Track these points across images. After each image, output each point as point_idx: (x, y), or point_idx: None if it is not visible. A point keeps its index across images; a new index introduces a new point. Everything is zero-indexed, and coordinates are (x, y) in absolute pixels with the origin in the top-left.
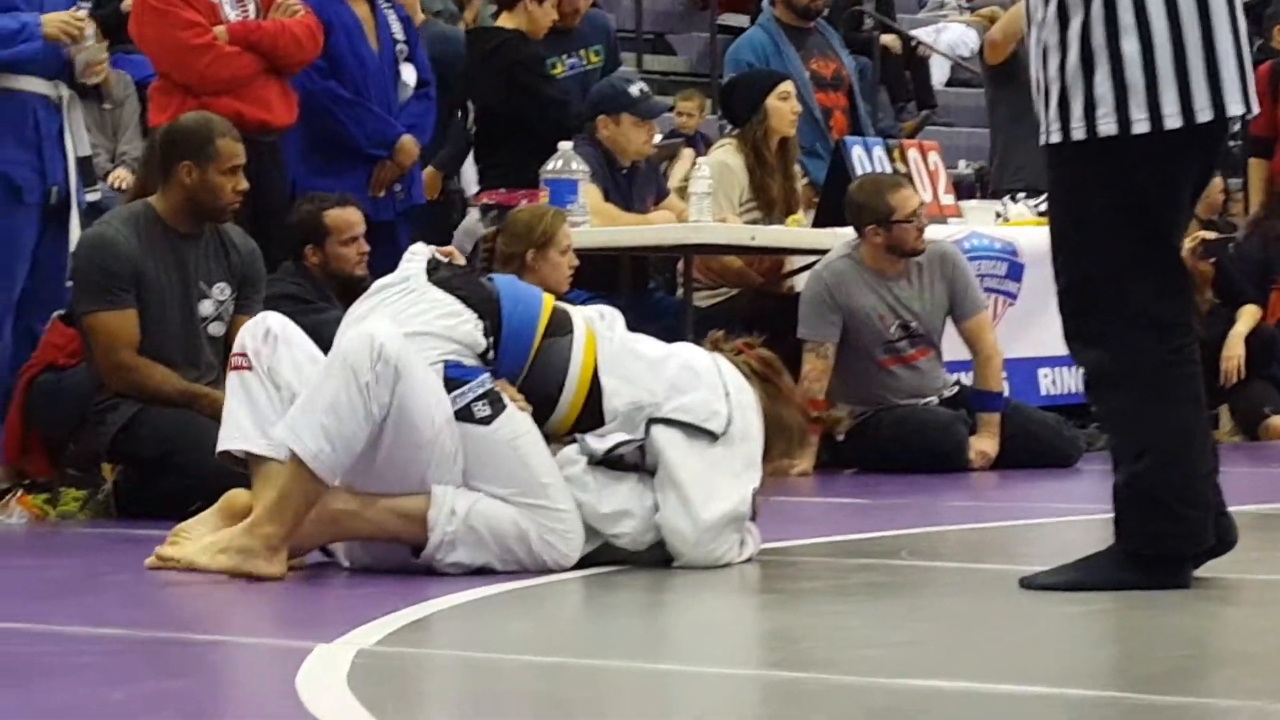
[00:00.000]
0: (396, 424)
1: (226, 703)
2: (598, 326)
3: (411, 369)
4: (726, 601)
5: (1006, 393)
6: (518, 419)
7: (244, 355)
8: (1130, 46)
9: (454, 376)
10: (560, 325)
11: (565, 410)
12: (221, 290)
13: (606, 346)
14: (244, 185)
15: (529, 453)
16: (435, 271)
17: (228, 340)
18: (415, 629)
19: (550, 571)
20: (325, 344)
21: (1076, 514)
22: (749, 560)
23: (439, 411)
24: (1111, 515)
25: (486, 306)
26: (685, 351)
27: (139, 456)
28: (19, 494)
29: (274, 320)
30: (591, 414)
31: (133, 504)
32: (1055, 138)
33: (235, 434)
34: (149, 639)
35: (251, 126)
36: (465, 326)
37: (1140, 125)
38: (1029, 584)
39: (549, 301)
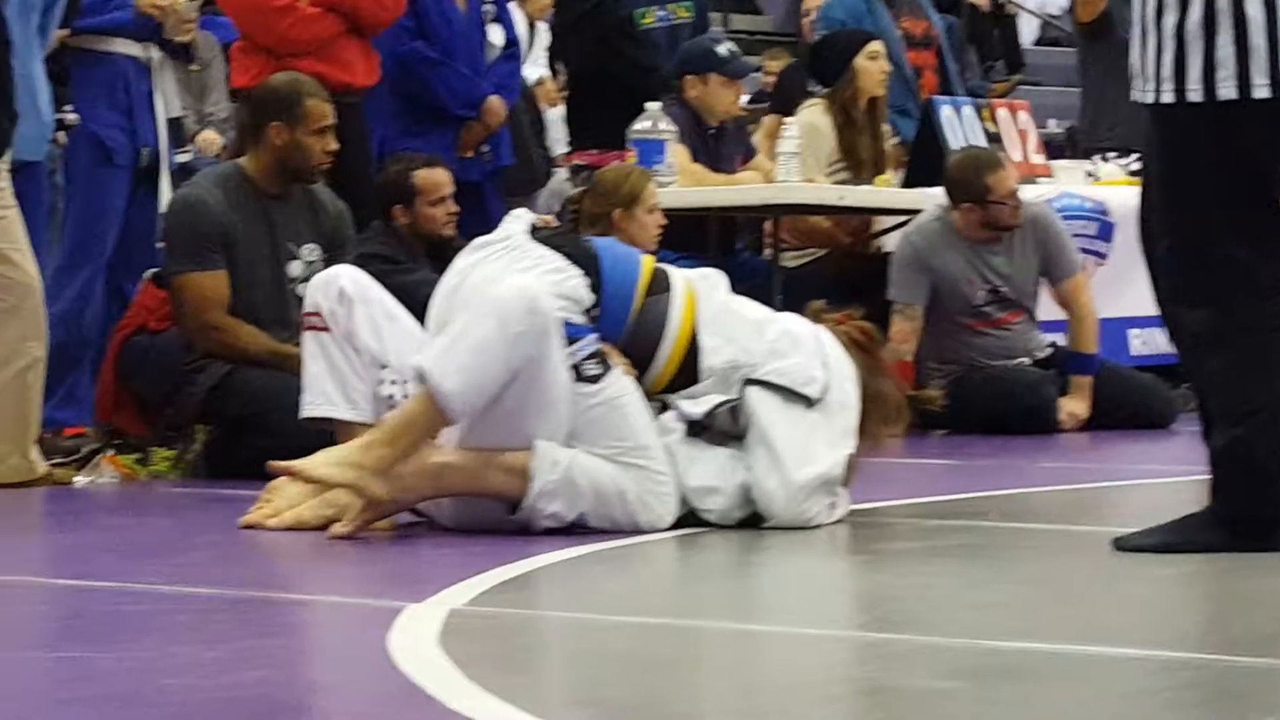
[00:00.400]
0: (530, 380)
1: (318, 662)
2: (699, 286)
3: (555, 327)
4: (817, 562)
5: (1099, 354)
6: (622, 380)
7: (318, 315)
8: (1255, 10)
9: (567, 334)
10: (659, 283)
11: (661, 367)
12: (310, 251)
13: (707, 305)
14: (334, 145)
15: (632, 413)
16: (536, 233)
17: None
18: (507, 588)
19: (643, 532)
20: (414, 305)
21: (1169, 475)
22: (839, 522)
23: (565, 372)
24: (1207, 477)
25: (590, 263)
26: (787, 319)
27: (229, 416)
28: (110, 454)
29: (347, 279)
30: (687, 372)
31: (223, 464)
32: (1168, 97)
33: (319, 399)
34: (240, 598)
35: (334, 87)
36: (571, 282)
37: (1261, 90)
38: (1122, 545)
39: (649, 262)
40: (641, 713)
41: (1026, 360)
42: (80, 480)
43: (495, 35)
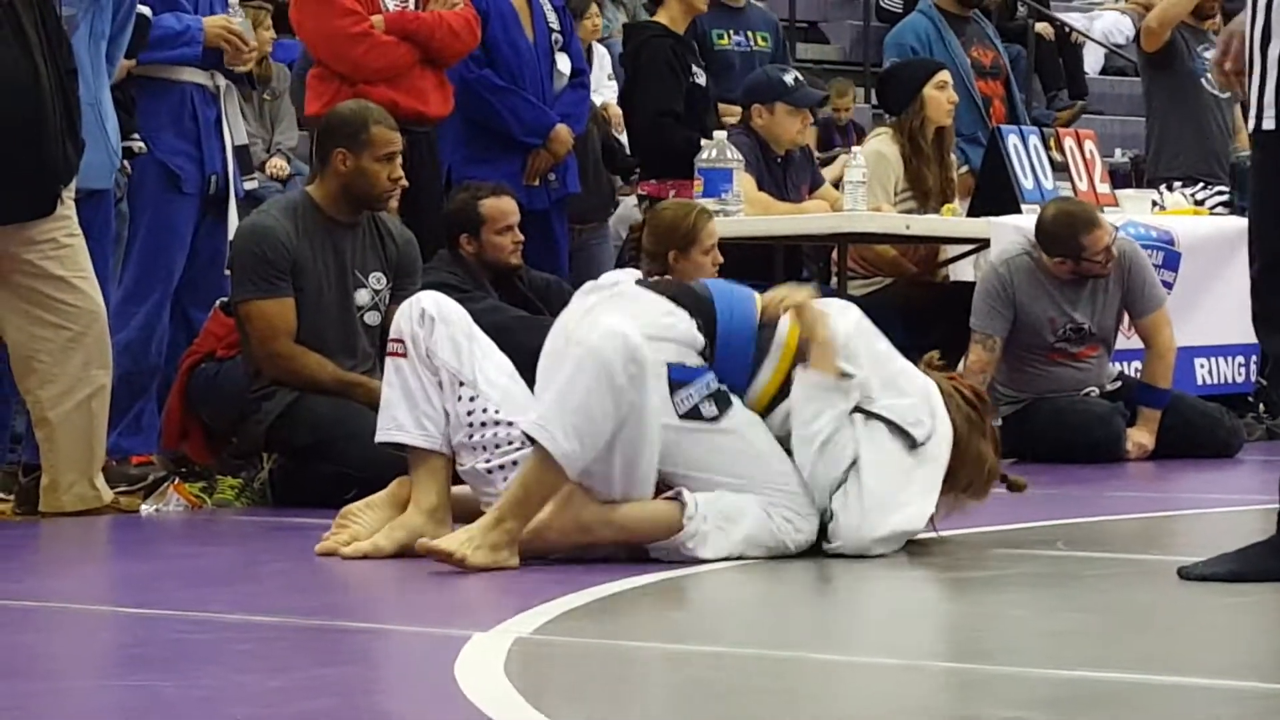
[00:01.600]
0: (634, 426)
1: (384, 690)
2: (832, 307)
3: (653, 371)
4: (887, 591)
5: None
6: (743, 411)
7: (400, 341)
8: None
9: (678, 379)
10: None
11: (762, 387)
12: (378, 279)
13: (843, 327)
14: (399, 174)
15: (759, 441)
16: (643, 281)
17: (383, 329)
18: (572, 617)
19: (789, 555)
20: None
21: (1236, 505)
22: (906, 549)
23: (665, 413)
24: (1275, 506)
25: (701, 306)
26: (909, 365)
27: (295, 445)
28: (176, 482)
29: (428, 300)
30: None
31: (289, 492)
32: (1269, 124)
33: (390, 425)
34: (306, 627)
35: (407, 116)
36: (682, 325)
37: None
38: (1187, 574)
39: (760, 299)
40: None
41: (1095, 391)
42: (146, 508)
43: (563, 64)
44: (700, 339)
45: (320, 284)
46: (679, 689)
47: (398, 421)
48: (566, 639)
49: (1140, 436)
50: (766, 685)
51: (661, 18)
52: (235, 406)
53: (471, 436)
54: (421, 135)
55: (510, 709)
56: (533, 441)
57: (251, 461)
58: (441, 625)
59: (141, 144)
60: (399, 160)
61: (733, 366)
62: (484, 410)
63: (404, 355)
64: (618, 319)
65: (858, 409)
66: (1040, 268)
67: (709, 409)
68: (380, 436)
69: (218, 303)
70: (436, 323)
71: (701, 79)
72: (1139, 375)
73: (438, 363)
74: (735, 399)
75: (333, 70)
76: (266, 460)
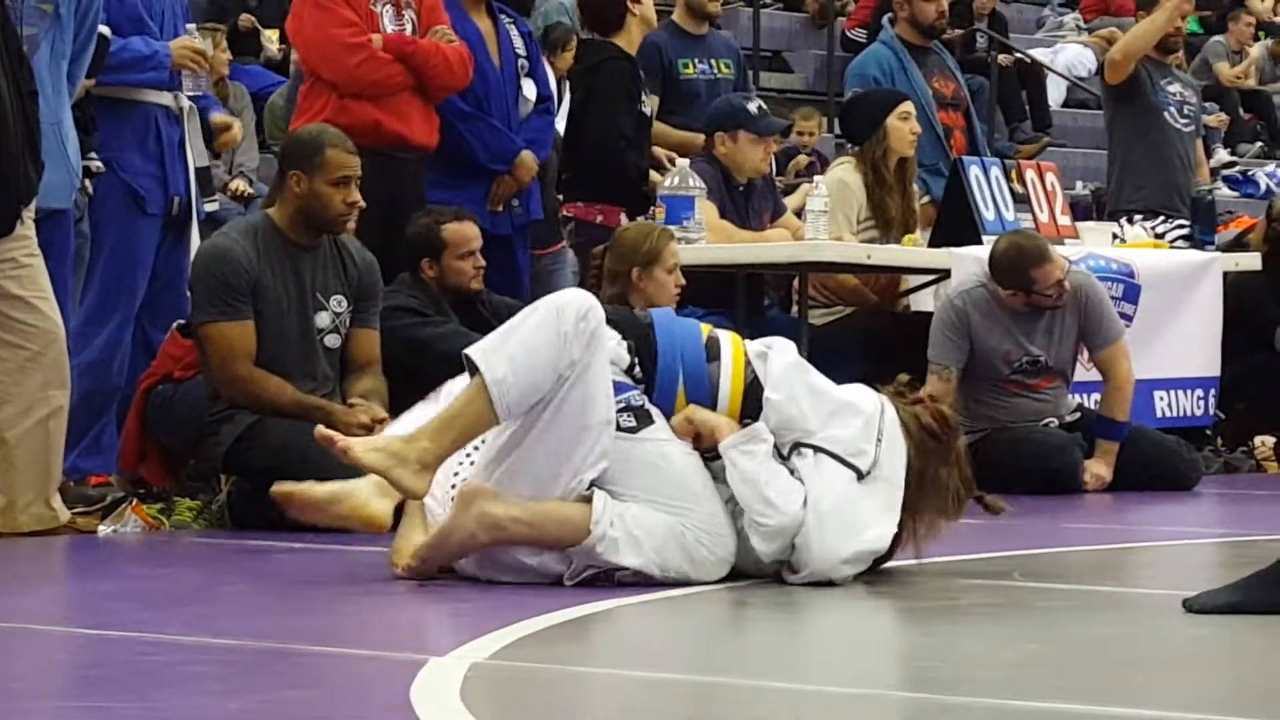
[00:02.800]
0: (571, 394)
1: (340, 715)
2: (766, 354)
3: (603, 347)
4: (843, 620)
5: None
6: (667, 432)
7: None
8: None
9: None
10: (712, 350)
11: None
12: (338, 302)
13: (777, 364)
14: (355, 198)
15: (677, 461)
16: None
17: (343, 353)
18: (529, 643)
19: (692, 583)
20: (439, 357)
21: (1193, 537)
22: (864, 578)
23: (607, 405)
24: (1234, 538)
25: (635, 330)
26: (852, 391)
27: (253, 468)
28: (134, 503)
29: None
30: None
31: (247, 515)
32: None
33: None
34: (262, 649)
35: (388, 138)
36: (609, 343)
37: None
38: (1191, 606)
39: (705, 329)
40: None
41: (1054, 421)
42: (104, 529)
43: (529, 90)
44: (627, 358)
45: (280, 306)
46: (635, 715)
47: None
48: (523, 664)
49: (1098, 468)
50: (722, 712)
51: (620, 40)
52: (193, 428)
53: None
54: (407, 164)
55: None
56: (471, 373)
57: (210, 484)
58: (398, 649)
59: (99, 164)
60: (355, 185)
61: (663, 389)
62: (471, 464)
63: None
64: (579, 290)
65: (799, 445)
66: (996, 300)
67: (627, 420)
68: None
69: (175, 325)
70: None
71: (648, 107)
72: (1097, 407)
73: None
74: (660, 418)
75: (325, 80)
76: (225, 483)
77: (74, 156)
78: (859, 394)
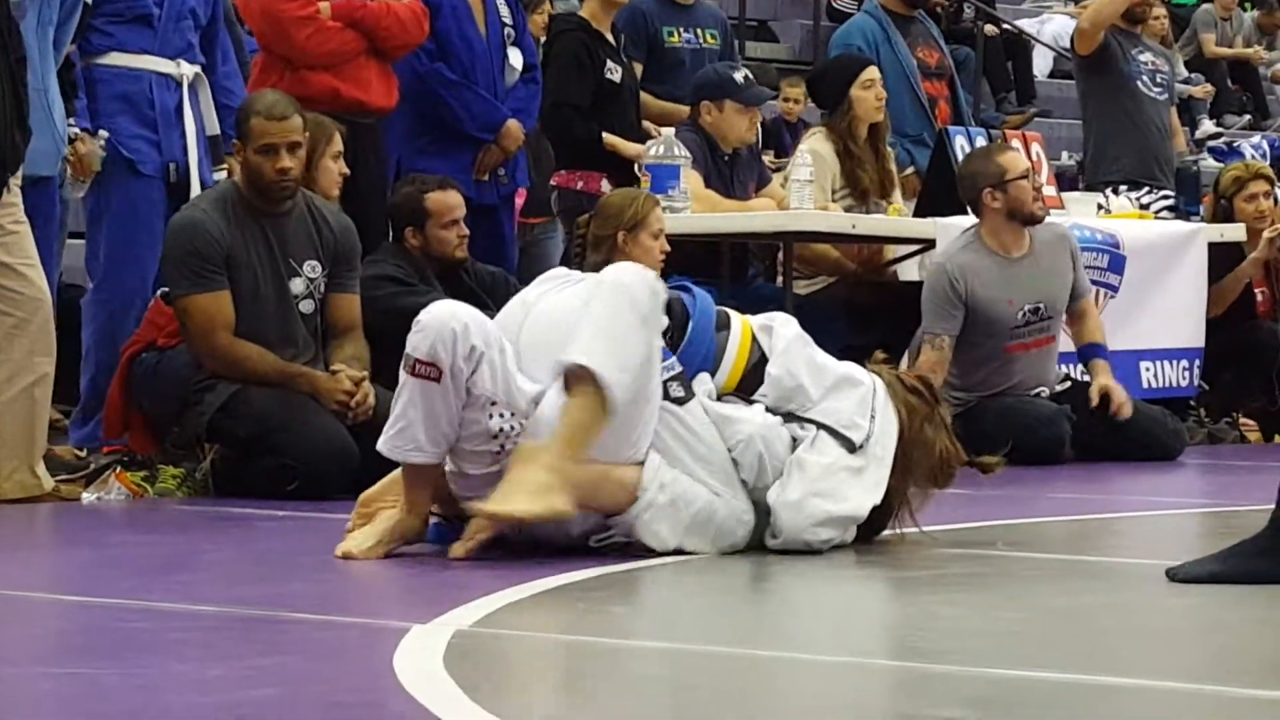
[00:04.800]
0: (654, 362)
1: (323, 681)
2: (771, 329)
3: (659, 315)
4: (828, 589)
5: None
6: (699, 406)
7: (433, 365)
8: None
9: None
10: (721, 320)
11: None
12: (313, 268)
13: (781, 337)
14: (286, 165)
15: (713, 438)
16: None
17: (321, 318)
18: (512, 610)
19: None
20: None
21: (1177, 507)
22: (847, 548)
23: (658, 374)
24: (1215, 509)
25: (672, 300)
26: (851, 368)
27: (236, 436)
28: (117, 470)
29: (475, 333)
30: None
31: (230, 483)
32: None
33: (409, 445)
34: (246, 616)
35: (347, 105)
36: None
37: None
38: (1174, 575)
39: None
40: None
41: (1045, 391)
42: (87, 497)
43: (515, 58)
44: (665, 320)
45: (255, 274)
46: (619, 684)
47: (417, 443)
48: (506, 632)
49: (1102, 380)
50: (705, 681)
51: (585, 10)
52: (177, 397)
53: (498, 451)
54: (365, 126)
55: (448, 701)
56: (567, 380)
57: (194, 452)
58: (381, 617)
59: (76, 130)
60: (284, 152)
61: (697, 356)
62: (512, 428)
63: (437, 380)
64: (629, 264)
65: (794, 416)
66: (983, 249)
67: (676, 389)
68: (396, 455)
69: (159, 292)
70: (484, 360)
71: (617, 75)
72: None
73: (477, 390)
74: (697, 388)
75: (275, 54)
76: (208, 451)
77: (60, 123)
78: (856, 369)
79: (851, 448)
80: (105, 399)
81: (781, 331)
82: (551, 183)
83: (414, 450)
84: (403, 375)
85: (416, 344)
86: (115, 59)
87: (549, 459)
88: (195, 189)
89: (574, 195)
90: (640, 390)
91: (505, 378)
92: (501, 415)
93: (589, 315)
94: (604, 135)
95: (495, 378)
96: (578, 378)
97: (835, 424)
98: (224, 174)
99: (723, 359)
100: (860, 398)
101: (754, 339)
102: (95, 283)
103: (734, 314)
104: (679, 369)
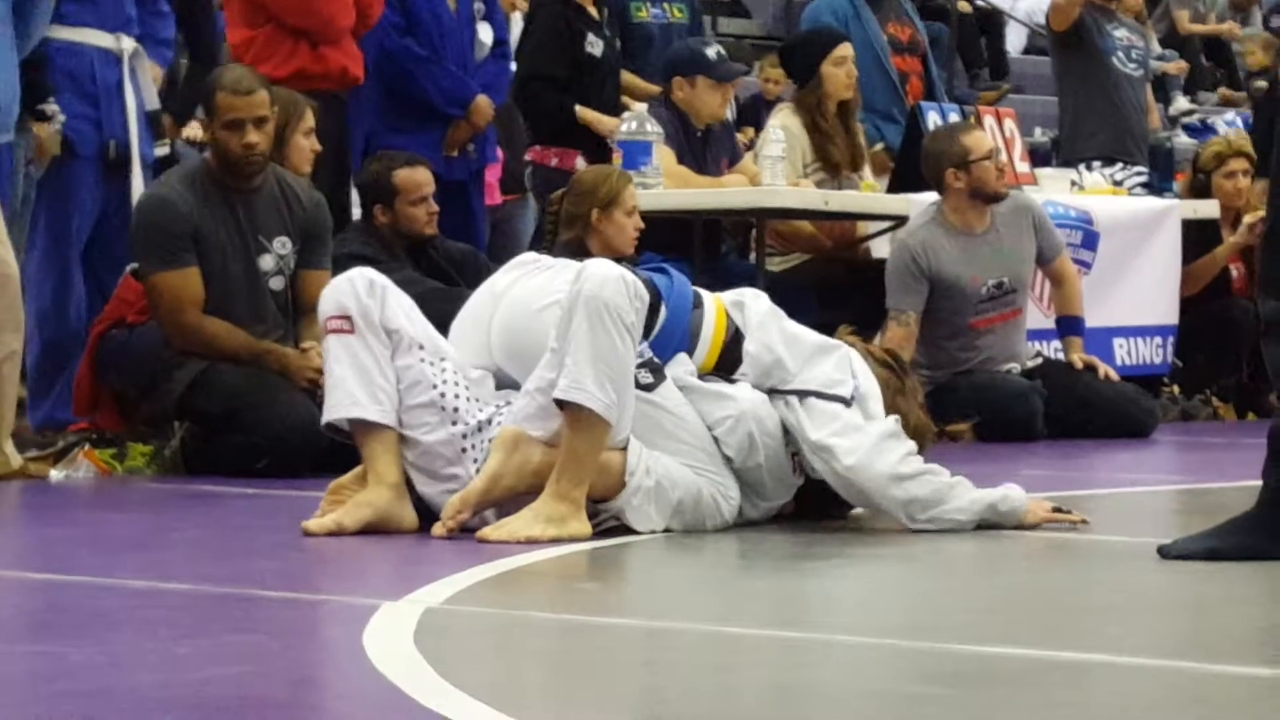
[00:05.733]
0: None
1: (293, 658)
2: (742, 305)
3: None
4: (802, 568)
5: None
6: (672, 387)
7: (345, 318)
8: None
9: None
10: (695, 299)
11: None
12: (282, 244)
13: (753, 312)
14: (252, 139)
15: (688, 415)
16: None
17: (293, 296)
18: (483, 588)
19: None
20: None
21: (1150, 484)
22: (816, 528)
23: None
24: (1185, 486)
25: (645, 282)
26: (825, 337)
27: (206, 413)
28: (86, 448)
29: (369, 273)
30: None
31: (200, 461)
32: None
33: (346, 401)
34: (215, 594)
35: (345, 80)
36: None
37: None
38: (1166, 553)
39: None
40: (610, 714)
41: (1016, 368)
42: (56, 474)
43: (485, 34)
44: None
45: (224, 252)
46: (589, 661)
47: (354, 397)
48: (477, 609)
49: (1076, 356)
50: (678, 658)
51: None
52: (146, 374)
53: (445, 395)
54: (329, 100)
55: (418, 678)
56: (561, 407)
57: (163, 429)
58: (352, 594)
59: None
60: (250, 127)
61: (672, 340)
62: (443, 371)
63: (351, 331)
64: (601, 264)
65: (776, 390)
66: (946, 225)
67: (645, 376)
68: (335, 414)
69: (128, 269)
70: (388, 292)
71: (598, 49)
72: (1052, 310)
73: (391, 327)
74: (667, 374)
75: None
76: (178, 428)
77: (5, 89)
78: (829, 339)
79: (845, 402)
80: (52, 378)
81: (753, 306)
82: (526, 158)
83: (351, 404)
84: (323, 343)
85: (324, 308)
86: (57, 32)
87: (562, 489)
88: (136, 165)
89: (548, 171)
90: (623, 390)
91: (420, 319)
92: (433, 364)
93: (574, 339)
94: (578, 109)
95: (409, 316)
96: (574, 407)
97: (820, 387)
98: (165, 149)
99: (699, 338)
100: (837, 361)
101: (727, 316)
102: (34, 263)
103: (704, 292)
104: (648, 354)
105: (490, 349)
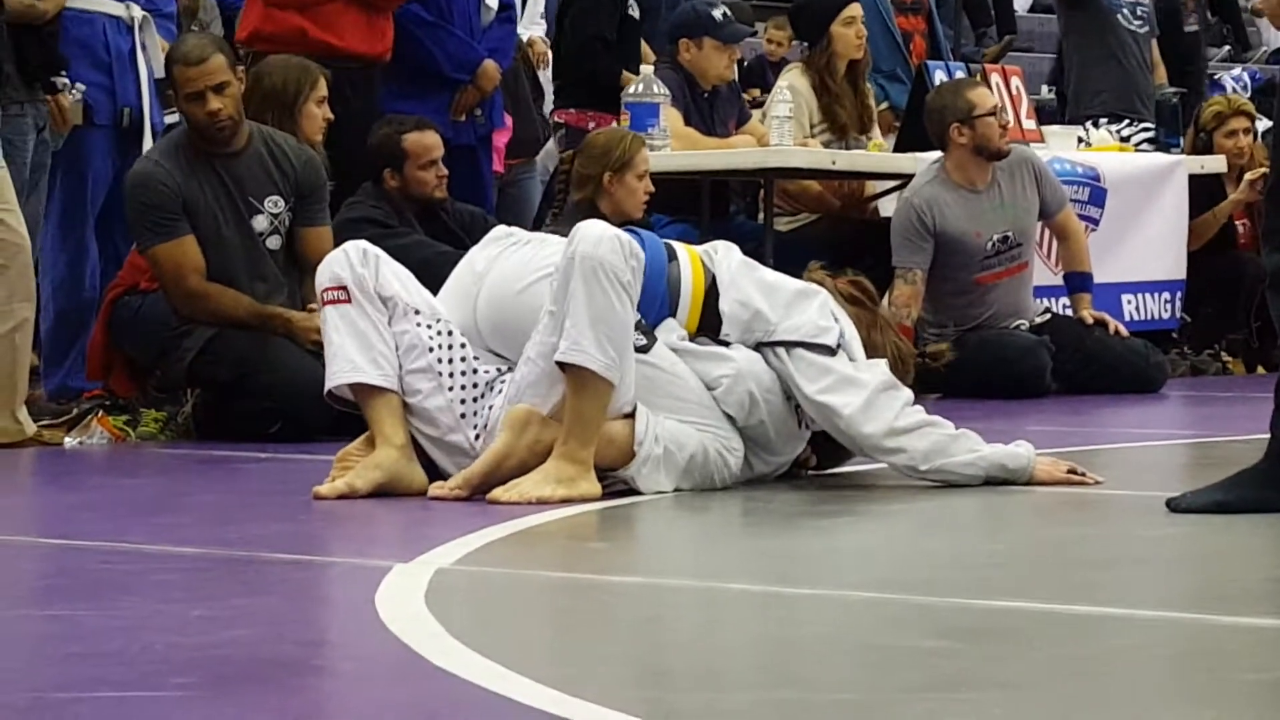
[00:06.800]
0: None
1: (305, 620)
2: (713, 255)
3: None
4: (809, 524)
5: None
6: (666, 350)
7: (341, 289)
8: None
9: None
10: (670, 252)
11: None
12: (274, 203)
13: (725, 268)
14: (215, 107)
15: (684, 373)
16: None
17: (291, 253)
18: (494, 548)
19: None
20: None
21: (1158, 439)
22: (827, 482)
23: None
24: (1194, 439)
25: None
26: (801, 283)
27: (216, 380)
28: (99, 414)
29: (361, 244)
30: (707, 330)
31: (213, 426)
32: None
33: (347, 368)
34: (228, 557)
35: (316, 47)
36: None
37: None
38: (1175, 506)
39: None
40: (619, 670)
41: (1024, 323)
42: (69, 441)
43: None
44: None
45: (215, 217)
46: (601, 619)
47: (354, 364)
48: (488, 570)
49: (1086, 312)
50: (686, 615)
51: None
52: (158, 341)
53: (441, 360)
54: (352, 74)
55: (430, 639)
56: (563, 369)
57: (175, 395)
58: (363, 556)
59: (66, 81)
60: (209, 95)
61: (651, 301)
62: (438, 334)
63: (348, 300)
64: (595, 224)
65: (762, 344)
66: (949, 182)
67: (637, 339)
68: (336, 380)
69: None
70: (381, 260)
71: (635, 11)
72: (1060, 267)
73: (386, 294)
74: (657, 334)
75: None
76: (190, 395)
77: None
78: (805, 283)
79: (831, 351)
80: (67, 346)
81: (723, 261)
82: (558, 119)
83: (351, 370)
84: (320, 315)
85: (320, 280)
86: (69, 1)
87: (570, 450)
88: (147, 133)
89: (583, 136)
90: (623, 349)
91: (415, 286)
92: (430, 326)
93: (574, 302)
94: (624, 74)
95: (403, 283)
96: (576, 368)
97: (805, 336)
98: (175, 116)
99: (680, 293)
100: (819, 305)
101: (703, 263)
102: (51, 232)
103: (676, 244)
104: (637, 316)
105: (479, 332)
